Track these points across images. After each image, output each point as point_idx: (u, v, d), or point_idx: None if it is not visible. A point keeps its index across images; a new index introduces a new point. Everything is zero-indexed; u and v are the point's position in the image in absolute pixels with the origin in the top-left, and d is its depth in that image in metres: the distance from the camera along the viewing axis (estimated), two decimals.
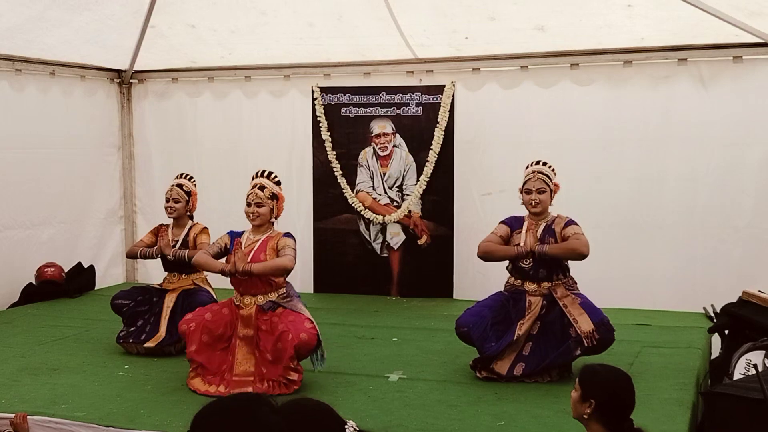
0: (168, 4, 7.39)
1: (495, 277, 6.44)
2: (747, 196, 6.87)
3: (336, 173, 7.79)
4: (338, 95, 7.80)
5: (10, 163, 7.59)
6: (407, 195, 7.68)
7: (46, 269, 7.67)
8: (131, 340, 5.75)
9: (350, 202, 7.78)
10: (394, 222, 7.71)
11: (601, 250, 6.94)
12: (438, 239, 7.66)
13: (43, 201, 7.94)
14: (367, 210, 7.75)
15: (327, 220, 7.92)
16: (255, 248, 4.99)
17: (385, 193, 7.76)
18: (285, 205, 5.16)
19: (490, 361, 5.03)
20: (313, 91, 7.86)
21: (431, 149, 7.54)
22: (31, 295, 7.54)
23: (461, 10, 7.01)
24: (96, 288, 8.16)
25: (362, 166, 7.80)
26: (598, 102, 7.28)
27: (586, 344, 4.89)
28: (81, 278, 7.99)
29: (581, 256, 4.97)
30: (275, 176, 5.09)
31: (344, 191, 7.78)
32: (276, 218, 5.11)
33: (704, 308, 6.66)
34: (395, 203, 7.73)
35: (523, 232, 5.12)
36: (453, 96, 7.52)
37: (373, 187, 7.79)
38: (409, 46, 7.62)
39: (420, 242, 7.71)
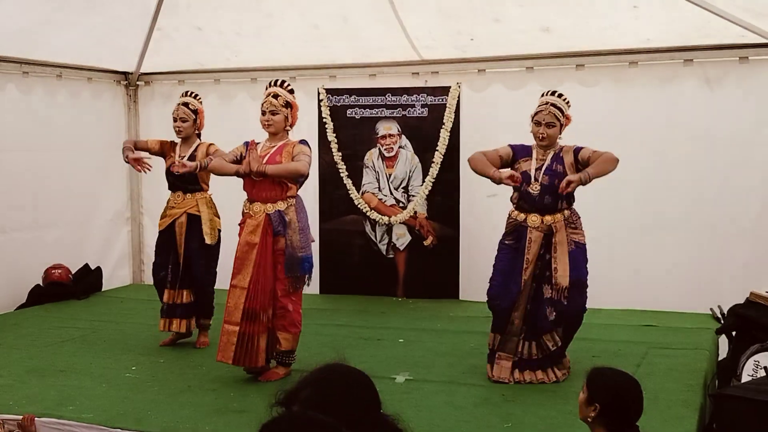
0: (174, 7, 7.41)
1: None
2: (753, 197, 6.85)
3: (342, 174, 7.81)
4: (344, 97, 7.82)
5: (18, 165, 7.61)
6: (413, 196, 7.69)
7: (53, 271, 7.69)
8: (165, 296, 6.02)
9: (356, 203, 7.79)
10: (399, 223, 7.71)
11: (607, 251, 6.97)
12: (444, 240, 7.66)
13: (51, 202, 7.96)
14: (372, 211, 7.76)
15: (333, 221, 7.93)
16: (271, 152, 5.12)
17: (391, 194, 7.77)
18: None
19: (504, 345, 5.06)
20: (319, 93, 7.87)
21: (437, 150, 7.55)
22: (38, 296, 7.57)
23: (466, 12, 7.01)
24: (103, 289, 8.19)
25: (368, 167, 7.81)
26: (603, 103, 7.26)
27: (556, 299, 4.93)
28: (88, 280, 8.01)
29: (615, 161, 4.96)
30: (288, 85, 5.26)
31: (350, 192, 7.79)
32: (291, 126, 5.27)
33: (711, 309, 6.65)
34: (401, 204, 7.74)
35: (533, 162, 5.11)
36: (458, 97, 7.52)
37: (379, 188, 7.80)
38: (415, 47, 7.62)
39: (426, 243, 7.72)
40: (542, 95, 5.20)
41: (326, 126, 7.83)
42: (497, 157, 5.18)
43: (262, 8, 7.31)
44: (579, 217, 5.17)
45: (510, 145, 5.28)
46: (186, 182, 6.01)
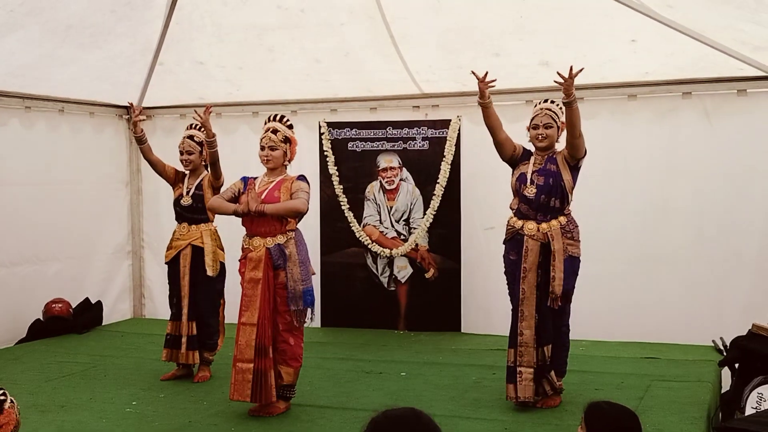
0: (176, 41, 7.47)
1: (499, 312, 6.45)
2: (753, 229, 6.86)
3: (343, 207, 7.83)
4: (345, 130, 7.86)
5: (19, 199, 7.63)
6: (414, 228, 7.70)
7: (53, 305, 7.67)
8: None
9: (357, 236, 7.80)
10: (401, 255, 7.72)
11: (607, 283, 6.97)
12: (445, 272, 7.66)
13: (52, 236, 7.96)
14: (374, 244, 7.77)
15: (334, 254, 7.93)
16: (269, 188, 5.13)
17: (392, 226, 7.78)
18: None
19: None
20: (320, 126, 7.91)
21: (438, 183, 7.58)
22: (38, 331, 7.54)
23: (466, 46, 7.07)
24: (104, 324, 8.16)
25: (369, 199, 7.83)
26: (602, 136, 7.27)
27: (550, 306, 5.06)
28: (89, 314, 7.99)
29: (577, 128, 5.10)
30: (287, 120, 5.30)
31: (351, 225, 7.81)
32: (290, 161, 5.29)
33: (713, 341, 6.62)
34: (402, 237, 7.75)
35: (530, 165, 5.23)
36: (459, 130, 7.57)
37: (380, 220, 7.81)
38: (415, 81, 7.68)
39: (427, 275, 7.71)
40: (536, 105, 5.36)
41: (327, 159, 7.86)
42: (510, 142, 5.37)
43: (264, 43, 7.37)
44: (576, 226, 5.22)
45: (522, 146, 5.40)
46: (192, 212, 6.04)
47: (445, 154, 7.57)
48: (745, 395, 5.00)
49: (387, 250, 7.72)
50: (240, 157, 8.52)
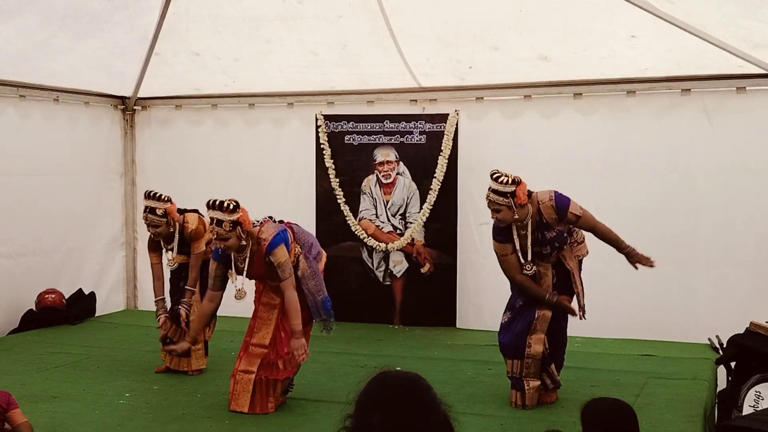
0: (173, 32, 7.42)
1: (494, 307, 6.43)
2: (751, 226, 6.84)
3: (339, 201, 7.79)
4: (342, 123, 7.82)
5: (13, 189, 7.57)
6: (410, 223, 7.66)
7: (46, 295, 7.62)
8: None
9: (353, 230, 7.76)
10: (397, 250, 7.68)
11: (604, 281, 6.92)
12: (441, 267, 7.63)
13: (46, 227, 7.91)
14: (370, 238, 7.73)
15: (330, 248, 7.81)
16: (246, 267, 5.00)
17: (389, 220, 7.74)
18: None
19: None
20: (317, 119, 7.87)
21: (435, 177, 7.54)
22: (31, 321, 7.49)
23: (465, 40, 7.04)
24: (97, 315, 8.11)
25: (365, 193, 7.79)
26: (601, 132, 7.28)
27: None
28: (82, 305, 7.94)
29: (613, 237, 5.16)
30: (227, 205, 4.80)
31: (347, 219, 7.77)
32: (245, 235, 4.91)
33: (709, 339, 6.61)
34: (398, 231, 7.71)
35: (515, 237, 5.03)
36: (456, 124, 7.53)
37: (376, 214, 7.77)
38: (413, 75, 7.64)
39: (423, 270, 7.68)
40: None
41: (324, 152, 7.82)
42: (512, 257, 5.07)
43: (261, 34, 7.32)
44: (584, 235, 5.23)
45: (496, 241, 5.12)
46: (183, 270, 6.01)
47: (442, 148, 7.53)
48: (742, 393, 4.98)
49: (383, 245, 7.69)
50: (234, 149, 8.53)
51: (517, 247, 5.04)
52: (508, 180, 4.88)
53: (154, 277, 6.02)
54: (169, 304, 6.09)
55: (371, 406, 2.02)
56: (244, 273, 5.02)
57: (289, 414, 5.03)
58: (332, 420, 4.80)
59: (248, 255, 4.96)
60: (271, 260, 4.90)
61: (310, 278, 5.13)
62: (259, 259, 4.95)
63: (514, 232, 5.04)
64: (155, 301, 6.00)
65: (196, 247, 5.83)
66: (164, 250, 6.01)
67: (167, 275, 6.17)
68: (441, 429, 2.02)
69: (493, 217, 5.04)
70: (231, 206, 4.81)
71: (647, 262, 5.09)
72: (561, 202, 4.97)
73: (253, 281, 5.24)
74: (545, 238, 5.00)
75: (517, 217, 4.92)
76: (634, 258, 5.10)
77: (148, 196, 5.75)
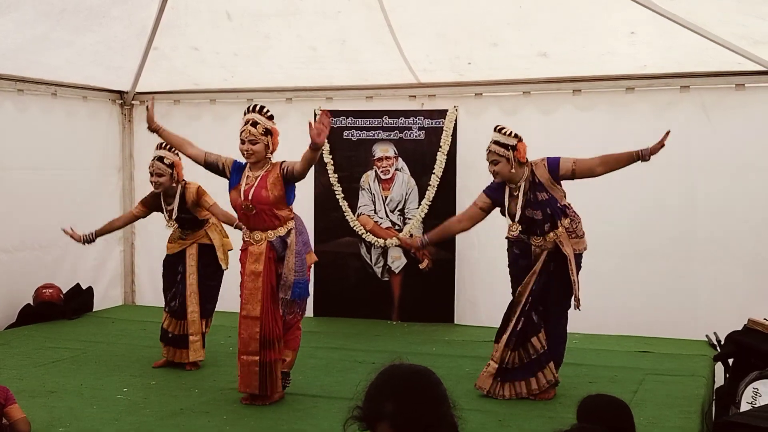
0: (171, 27, 7.40)
1: (492, 303, 6.43)
2: (749, 224, 6.85)
3: (338, 196, 7.78)
4: (341, 118, 7.81)
5: (11, 184, 7.55)
6: (409, 219, 7.66)
7: (44, 290, 7.61)
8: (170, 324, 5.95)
9: (352, 226, 7.76)
10: (395, 246, 7.68)
11: (601, 277, 6.92)
12: (439, 263, 7.61)
13: (44, 221, 7.87)
14: (368, 233, 7.73)
15: (328, 243, 7.89)
16: (255, 185, 5.00)
17: (387, 216, 7.74)
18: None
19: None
20: (315, 114, 7.84)
21: (433, 173, 7.54)
22: (28, 316, 7.49)
23: (464, 36, 7.03)
24: (94, 310, 8.11)
25: (364, 189, 7.78)
26: (599, 128, 7.26)
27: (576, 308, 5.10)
28: (79, 300, 7.94)
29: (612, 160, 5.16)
30: (267, 111, 5.07)
31: (346, 214, 7.76)
32: (272, 152, 5.08)
33: (707, 336, 6.62)
34: (397, 227, 7.71)
35: (506, 199, 5.11)
36: (455, 120, 7.52)
37: (375, 210, 7.77)
38: (412, 70, 7.63)
39: (421, 266, 7.64)
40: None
41: (322, 147, 7.79)
42: (479, 212, 5.21)
43: (259, 29, 7.30)
44: (579, 221, 5.21)
45: (485, 192, 5.23)
46: (185, 229, 5.99)
47: (441, 144, 7.53)
48: (740, 390, 4.99)
49: (381, 240, 7.68)
50: (234, 144, 8.44)
51: (506, 210, 5.10)
52: (511, 132, 5.04)
53: (117, 218, 6.28)
54: (164, 301, 6.10)
55: (383, 396, 2.04)
56: (251, 195, 4.97)
57: (287, 409, 5.03)
58: (330, 415, 4.84)
59: (259, 175, 5.03)
60: (284, 166, 5.01)
61: (293, 254, 5.01)
62: (264, 182, 4.99)
63: (506, 194, 5.11)
64: (89, 233, 6.13)
65: (207, 202, 5.86)
66: (164, 211, 5.96)
67: (160, 270, 6.18)
68: (448, 423, 2.02)
69: (490, 170, 5.10)
70: (269, 114, 5.08)
71: (663, 138, 5.05)
72: (552, 159, 5.09)
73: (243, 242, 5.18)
74: (537, 199, 5.03)
75: (513, 172, 5.00)
76: (652, 152, 5.09)
77: (160, 146, 5.82)
